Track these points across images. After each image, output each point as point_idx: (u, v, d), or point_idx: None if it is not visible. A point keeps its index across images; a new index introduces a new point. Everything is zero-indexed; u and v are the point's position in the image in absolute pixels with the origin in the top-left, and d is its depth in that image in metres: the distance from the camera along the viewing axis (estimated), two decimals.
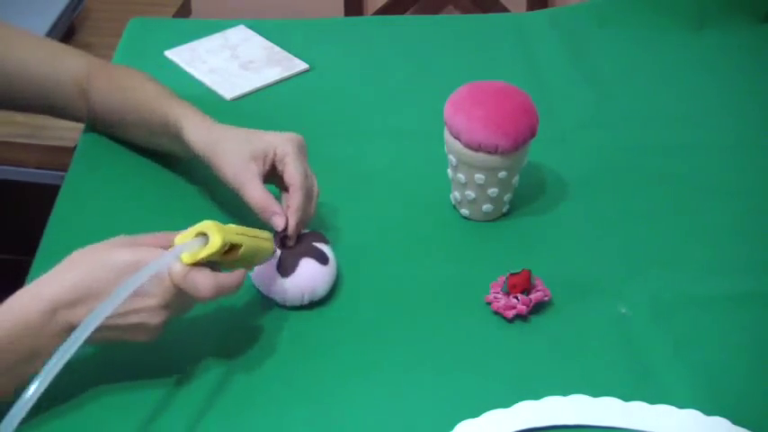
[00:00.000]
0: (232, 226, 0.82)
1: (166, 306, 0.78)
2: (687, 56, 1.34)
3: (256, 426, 0.82)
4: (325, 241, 0.94)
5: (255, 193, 0.91)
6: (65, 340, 0.71)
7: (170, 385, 0.85)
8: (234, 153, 0.94)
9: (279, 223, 0.91)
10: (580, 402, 0.84)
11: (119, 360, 0.86)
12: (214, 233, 0.78)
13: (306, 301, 0.92)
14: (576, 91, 1.26)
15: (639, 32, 1.38)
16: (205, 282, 0.77)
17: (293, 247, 0.92)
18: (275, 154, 0.94)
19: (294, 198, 0.92)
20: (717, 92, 1.27)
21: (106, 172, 1.10)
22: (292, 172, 0.92)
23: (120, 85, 1.07)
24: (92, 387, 0.84)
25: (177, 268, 0.77)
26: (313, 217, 0.95)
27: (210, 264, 0.80)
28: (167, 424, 0.82)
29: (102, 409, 0.83)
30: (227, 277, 0.80)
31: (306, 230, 0.95)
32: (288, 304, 0.92)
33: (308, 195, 0.93)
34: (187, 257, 0.77)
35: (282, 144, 0.94)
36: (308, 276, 0.91)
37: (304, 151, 0.96)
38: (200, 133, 0.97)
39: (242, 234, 0.82)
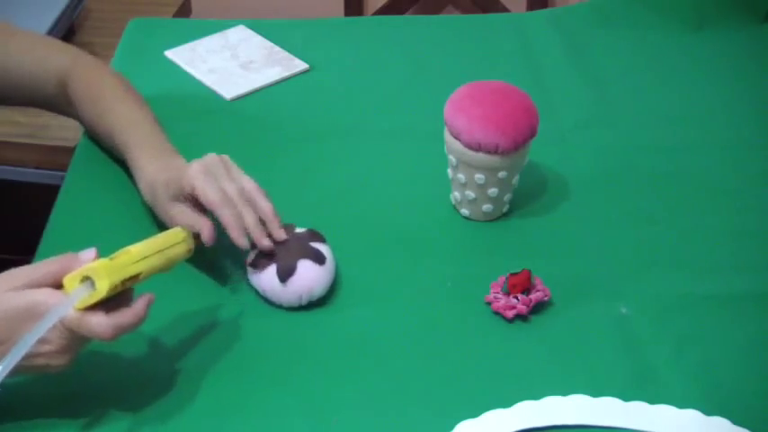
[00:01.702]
0: (134, 249, 0.78)
1: (66, 349, 0.77)
2: (687, 56, 1.34)
3: (254, 427, 0.82)
4: (323, 240, 0.94)
5: (198, 226, 0.90)
6: None
7: (166, 387, 0.85)
8: (164, 200, 0.94)
9: (207, 236, 0.90)
10: (580, 402, 0.84)
11: (113, 363, 0.86)
12: (101, 278, 0.74)
13: (303, 302, 0.92)
14: (576, 91, 1.26)
15: (639, 32, 1.38)
16: (101, 324, 0.75)
17: (290, 247, 0.92)
18: (190, 187, 0.91)
19: (223, 219, 0.90)
20: (717, 92, 1.27)
21: (106, 172, 1.10)
22: (203, 197, 0.90)
23: (95, 103, 1.06)
24: (88, 389, 0.84)
25: (70, 317, 0.74)
26: (271, 219, 0.91)
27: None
28: (163, 426, 0.82)
29: (97, 412, 0.82)
30: (125, 316, 0.76)
31: (303, 230, 0.95)
32: (285, 306, 0.92)
33: (231, 206, 0.90)
34: (78, 304, 0.74)
35: (189, 176, 0.91)
36: (306, 278, 0.91)
37: (217, 169, 0.92)
38: (145, 189, 0.97)
39: (143, 258, 0.78)
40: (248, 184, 0.92)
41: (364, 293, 0.95)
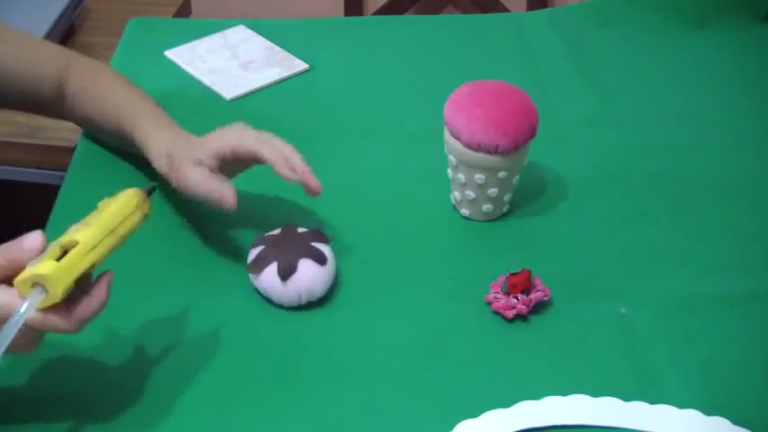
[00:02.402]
0: (83, 236, 0.74)
1: (32, 342, 0.76)
2: (687, 56, 1.34)
3: (254, 426, 0.82)
4: (325, 240, 0.94)
5: (207, 187, 0.92)
6: None
7: (164, 387, 0.85)
8: (183, 166, 0.94)
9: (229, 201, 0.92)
10: (580, 402, 0.84)
11: (112, 361, 0.86)
12: (51, 285, 0.71)
13: (303, 302, 0.92)
14: (576, 91, 1.26)
15: (639, 32, 1.38)
16: (64, 322, 0.74)
17: (291, 246, 0.92)
18: (228, 146, 0.93)
19: (293, 161, 0.93)
20: (717, 92, 1.27)
21: (106, 172, 1.10)
22: (263, 153, 0.93)
23: (95, 94, 1.06)
24: (85, 388, 0.84)
25: (32, 317, 0.73)
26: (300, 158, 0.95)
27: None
28: (162, 424, 0.82)
29: (95, 410, 0.83)
30: (87, 305, 0.74)
31: (306, 230, 0.95)
32: (285, 305, 0.92)
33: (272, 151, 0.93)
34: (38, 306, 0.72)
35: (224, 138, 0.94)
36: (306, 277, 0.91)
37: (252, 131, 0.96)
38: (159, 160, 0.97)
39: (91, 249, 0.74)
40: (280, 143, 0.95)
41: (364, 293, 0.95)
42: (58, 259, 0.73)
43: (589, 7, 1.44)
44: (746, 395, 0.85)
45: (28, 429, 0.81)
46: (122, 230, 0.77)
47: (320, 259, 0.92)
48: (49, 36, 1.54)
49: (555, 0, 2.25)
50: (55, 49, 1.09)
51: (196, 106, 1.22)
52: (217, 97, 1.24)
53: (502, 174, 1.00)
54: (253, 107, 1.22)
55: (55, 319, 0.73)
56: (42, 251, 0.74)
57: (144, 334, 0.88)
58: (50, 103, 1.08)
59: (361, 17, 2.25)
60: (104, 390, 0.84)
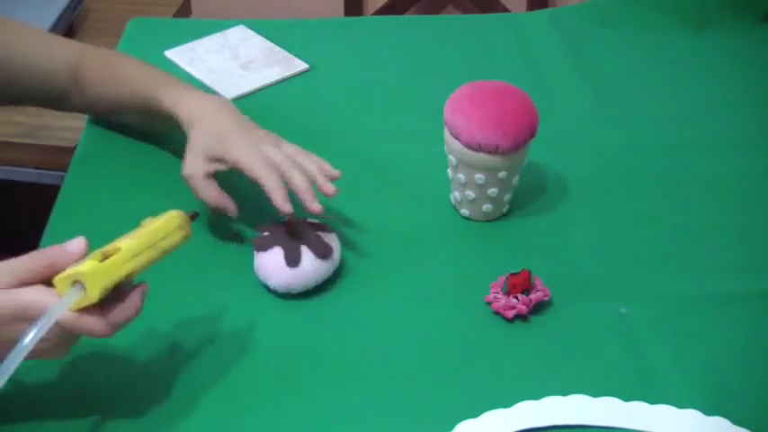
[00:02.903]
0: (126, 245, 0.76)
1: (62, 345, 0.76)
2: (687, 56, 1.34)
3: (252, 423, 0.82)
4: (330, 230, 0.95)
5: (197, 184, 0.95)
6: None
7: (165, 379, 0.85)
8: (198, 144, 0.96)
9: (233, 212, 0.95)
10: (580, 402, 0.84)
11: (111, 356, 0.86)
12: (90, 284, 0.72)
13: (310, 287, 0.93)
14: (576, 91, 1.26)
15: (639, 32, 1.38)
16: (97, 325, 0.74)
17: (296, 236, 0.93)
18: (234, 162, 0.94)
19: (293, 182, 0.93)
20: (717, 92, 1.27)
21: (106, 172, 1.10)
22: (251, 172, 0.93)
23: (112, 72, 1.07)
24: (83, 384, 0.84)
25: (66, 317, 0.73)
26: (316, 168, 0.95)
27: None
28: (163, 416, 0.82)
29: (92, 406, 0.83)
30: (121, 312, 0.75)
31: (312, 220, 0.96)
32: (284, 290, 0.93)
33: (277, 172, 0.93)
34: (73, 306, 0.73)
35: (233, 153, 0.95)
36: (309, 265, 0.92)
37: (274, 144, 0.96)
38: (184, 116, 0.99)
39: (132, 257, 0.76)
40: (291, 148, 0.95)
41: (364, 293, 0.95)
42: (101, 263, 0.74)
43: (589, 7, 1.44)
44: (746, 395, 0.85)
45: (28, 428, 0.81)
46: (163, 245, 0.79)
47: (324, 248, 0.93)
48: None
49: (555, 0, 2.25)
50: (67, 42, 1.10)
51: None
52: None
53: (502, 174, 1.00)
54: (253, 107, 1.22)
55: (89, 321, 0.74)
56: (84, 257, 0.75)
57: (143, 324, 0.88)
58: (65, 94, 1.08)
59: (361, 17, 2.25)
60: (105, 382, 0.85)
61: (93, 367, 0.84)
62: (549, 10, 1.57)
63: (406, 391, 0.85)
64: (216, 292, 0.94)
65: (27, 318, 0.73)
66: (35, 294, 0.73)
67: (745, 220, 1.05)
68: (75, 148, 1.16)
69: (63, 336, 0.75)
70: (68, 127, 1.17)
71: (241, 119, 0.99)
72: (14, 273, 0.74)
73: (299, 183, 0.93)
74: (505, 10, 2.19)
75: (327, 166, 0.96)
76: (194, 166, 0.96)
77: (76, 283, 0.73)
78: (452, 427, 0.81)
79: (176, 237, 0.80)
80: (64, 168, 1.14)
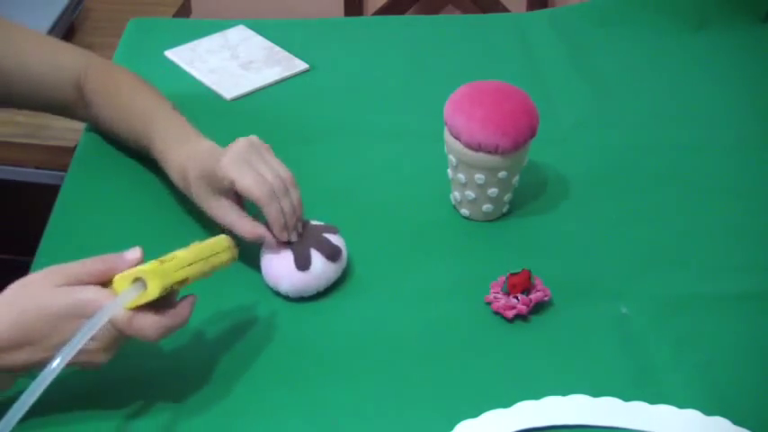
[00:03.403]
0: (180, 254, 0.79)
1: (110, 347, 0.77)
2: (687, 56, 1.34)
3: (254, 423, 0.82)
4: (335, 231, 0.95)
5: (238, 228, 0.92)
6: (5, 378, 0.74)
7: (170, 378, 0.85)
8: (201, 193, 0.93)
9: (270, 242, 0.92)
10: (580, 402, 0.84)
11: (123, 357, 0.86)
12: (152, 280, 0.75)
13: (321, 289, 0.93)
14: (576, 91, 1.26)
15: (639, 32, 1.38)
16: (150, 326, 0.76)
17: (304, 239, 0.93)
18: (229, 182, 0.91)
19: (265, 210, 0.90)
20: (717, 92, 1.27)
21: (106, 172, 1.10)
22: (246, 192, 0.90)
23: (110, 98, 1.06)
24: (84, 387, 0.84)
25: (120, 316, 0.75)
26: (299, 205, 0.92)
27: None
28: (173, 416, 0.82)
29: (95, 408, 0.83)
30: (172, 317, 0.77)
31: (316, 222, 0.96)
32: (293, 295, 0.93)
33: (273, 199, 0.90)
34: (128, 304, 0.75)
35: (225, 172, 0.90)
36: (319, 268, 0.92)
37: (252, 156, 0.91)
38: (175, 176, 0.97)
39: (189, 264, 0.79)
40: (283, 171, 0.92)
41: (364, 293, 0.95)
42: None
43: (589, 7, 1.44)
44: (746, 395, 0.85)
45: (31, 426, 0.81)
46: (213, 261, 0.82)
47: (333, 250, 0.93)
48: (49, 36, 1.54)
49: (555, 0, 2.25)
50: (74, 52, 1.10)
51: (196, 106, 1.21)
52: (217, 97, 1.24)
53: (502, 174, 1.00)
54: (253, 107, 1.22)
55: (142, 321, 0.76)
56: (140, 264, 0.78)
57: None
58: (71, 105, 1.09)
59: (361, 17, 2.25)
60: (116, 381, 0.85)
61: (101, 369, 0.84)
62: (549, 10, 1.57)
63: (406, 391, 0.85)
64: (223, 294, 0.94)
65: (83, 315, 0.74)
66: (93, 292, 0.75)
67: (746, 219, 1.05)
68: (75, 148, 1.16)
69: (113, 338, 0.76)
70: (69, 127, 1.17)
71: (217, 149, 0.95)
72: (71, 276, 0.76)
73: (289, 213, 0.91)
74: (505, 10, 2.19)
75: (301, 207, 0.93)
76: (226, 212, 0.93)
77: (136, 281, 0.75)
78: (452, 427, 0.81)
79: (224, 256, 0.84)
80: (64, 168, 1.14)
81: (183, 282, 0.78)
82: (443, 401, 0.84)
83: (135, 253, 0.79)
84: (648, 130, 1.20)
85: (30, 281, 0.77)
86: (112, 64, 1.12)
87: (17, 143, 1.47)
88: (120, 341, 0.78)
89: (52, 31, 1.57)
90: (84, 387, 0.84)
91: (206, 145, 0.96)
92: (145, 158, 1.09)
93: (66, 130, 1.40)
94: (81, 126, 1.16)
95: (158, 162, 1.00)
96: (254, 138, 0.93)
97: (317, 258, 0.92)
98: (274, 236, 0.91)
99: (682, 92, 1.27)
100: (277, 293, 0.94)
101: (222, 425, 0.82)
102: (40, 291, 0.75)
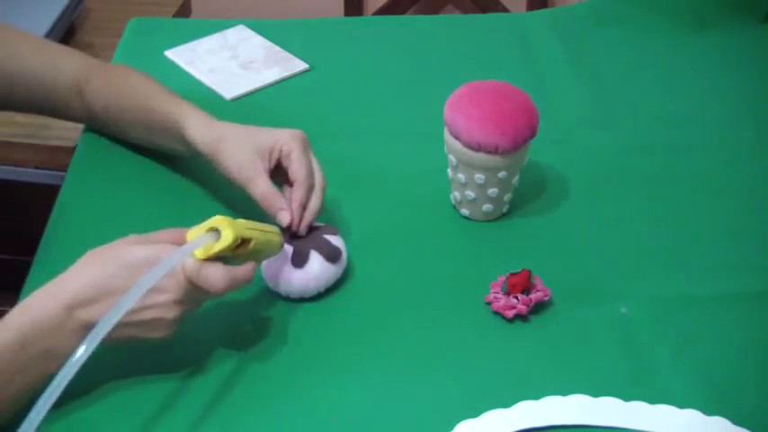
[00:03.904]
0: (241, 221, 0.82)
1: (181, 301, 0.79)
2: (687, 56, 1.34)
3: (254, 422, 0.82)
4: (335, 232, 0.95)
5: (261, 189, 0.93)
6: (80, 339, 0.73)
7: (172, 379, 0.85)
8: (239, 149, 0.94)
9: (284, 219, 0.92)
10: (580, 402, 0.84)
11: (118, 356, 0.86)
12: (226, 228, 0.79)
13: (321, 290, 0.93)
14: (576, 91, 1.26)
15: (639, 32, 1.38)
16: (218, 276, 0.79)
17: (304, 239, 0.93)
18: (281, 150, 0.94)
19: (296, 193, 0.93)
20: (717, 92, 1.27)
21: (106, 172, 1.10)
22: (297, 168, 0.93)
23: (118, 85, 1.07)
24: (91, 384, 0.84)
25: (190, 264, 0.78)
26: (321, 210, 0.95)
27: (221, 258, 0.81)
28: (171, 418, 0.82)
29: (101, 406, 0.83)
30: (240, 270, 0.81)
31: (319, 223, 0.96)
32: (291, 295, 0.93)
33: (310, 190, 0.94)
34: (200, 253, 0.79)
35: (287, 141, 0.95)
36: (317, 268, 0.92)
37: (308, 147, 0.97)
38: (203, 132, 0.97)
39: (252, 229, 0.83)
40: (320, 173, 0.96)
41: (364, 293, 0.95)
42: None
43: (589, 7, 1.44)
44: (746, 395, 0.85)
45: None
46: (269, 237, 0.86)
47: (333, 251, 0.93)
48: (49, 36, 1.54)
49: (555, 0, 2.25)
50: (73, 55, 1.10)
51: (195, 104, 1.22)
52: (217, 97, 1.24)
53: (502, 174, 1.00)
54: (253, 107, 1.22)
55: (210, 270, 0.78)
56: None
57: None
58: (69, 108, 1.09)
59: (361, 17, 2.25)
60: (103, 385, 0.84)
61: (103, 365, 0.84)
62: (548, 10, 1.57)
63: (406, 391, 0.85)
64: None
65: (159, 261, 0.76)
66: (168, 248, 0.78)
67: (745, 220, 1.05)
68: (75, 148, 1.16)
69: (183, 288, 0.78)
70: (68, 127, 1.17)
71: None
72: (146, 238, 0.80)
73: (317, 204, 0.94)
74: (505, 10, 2.19)
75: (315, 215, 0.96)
76: (255, 167, 0.94)
77: (210, 231, 0.79)
78: (452, 427, 0.81)
79: (276, 238, 0.87)
80: (64, 168, 1.14)
81: (246, 244, 0.81)
82: (443, 401, 0.84)
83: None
84: (648, 130, 1.20)
85: (107, 245, 0.80)
86: (108, 64, 1.12)
87: (17, 143, 1.47)
88: (191, 296, 0.80)
89: (52, 31, 1.57)
90: (84, 386, 0.84)
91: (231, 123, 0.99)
92: (144, 158, 1.10)
93: (67, 130, 1.40)
94: (81, 126, 1.16)
95: (180, 133, 0.99)
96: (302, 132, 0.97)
97: (316, 259, 0.92)
98: (282, 219, 0.92)
99: (681, 92, 1.27)
100: (277, 294, 0.94)
101: (222, 424, 0.82)
102: (118, 249, 0.79)
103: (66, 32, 1.66)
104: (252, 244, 0.82)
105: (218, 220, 0.79)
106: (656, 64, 1.32)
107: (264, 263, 0.93)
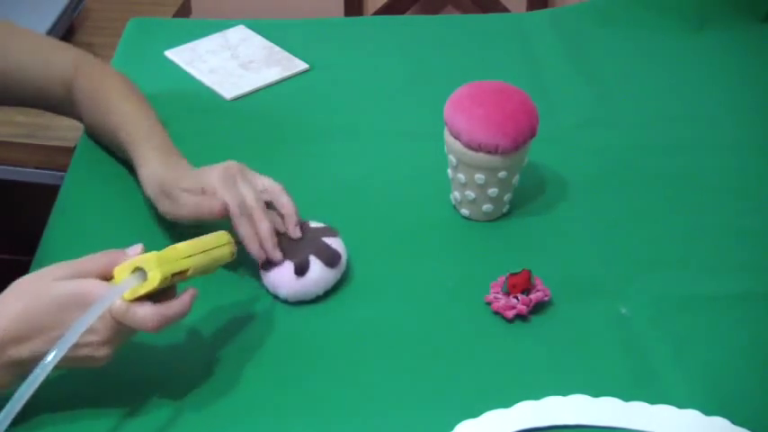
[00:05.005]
0: (181, 246, 0.79)
1: (110, 340, 0.78)
2: (687, 56, 1.34)
3: (254, 424, 0.82)
4: (334, 234, 0.95)
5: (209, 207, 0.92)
6: (13, 374, 0.75)
7: (169, 382, 0.85)
8: (180, 210, 0.94)
9: (259, 258, 0.92)
10: (580, 402, 0.84)
11: (123, 360, 0.86)
12: (152, 269, 0.76)
13: (320, 293, 0.93)
14: (576, 91, 1.26)
15: (639, 32, 1.38)
16: (147, 316, 0.76)
17: (302, 243, 0.93)
18: (211, 191, 0.93)
19: (240, 228, 0.91)
20: (717, 92, 1.27)
21: (106, 172, 1.10)
22: (228, 203, 0.91)
23: (96, 104, 1.06)
24: (83, 387, 0.84)
25: (118, 305, 0.76)
26: (291, 215, 0.93)
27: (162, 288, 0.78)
28: (168, 420, 0.82)
29: (94, 408, 0.83)
30: (172, 307, 0.78)
31: (317, 224, 0.96)
32: (292, 300, 0.93)
33: (248, 214, 0.91)
34: (128, 294, 0.76)
35: (210, 184, 0.93)
36: (318, 274, 0.92)
37: (232, 176, 0.93)
38: (147, 191, 0.97)
39: (189, 256, 0.79)
40: (267, 182, 0.94)
41: (364, 293, 0.95)
42: None
43: (589, 7, 1.44)
44: (746, 395, 0.85)
45: (34, 425, 0.81)
46: (214, 254, 0.83)
47: (332, 255, 0.93)
48: (49, 36, 1.54)
49: (555, 0, 2.25)
50: (66, 50, 1.10)
51: (196, 106, 1.22)
52: (217, 97, 1.24)
53: (502, 174, 1.00)
54: (253, 107, 1.22)
55: (140, 311, 0.76)
56: None
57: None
58: (61, 104, 1.09)
59: (361, 17, 2.24)
60: (110, 380, 0.85)
61: (103, 370, 0.84)
62: (549, 10, 1.57)
63: (406, 391, 0.85)
64: (223, 295, 0.94)
65: (85, 305, 0.75)
66: (96, 284, 0.76)
67: (745, 219, 1.05)
68: (75, 148, 1.16)
69: (112, 328, 0.77)
70: (68, 127, 1.17)
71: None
72: (74, 270, 0.77)
73: (265, 232, 0.91)
74: (505, 10, 2.19)
75: (296, 212, 0.94)
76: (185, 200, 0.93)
77: (136, 270, 0.76)
78: (452, 427, 0.81)
79: (225, 250, 0.84)
80: (64, 168, 1.14)
81: (183, 273, 0.79)
82: (443, 401, 0.84)
83: (137, 249, 0.79)
84: (648, 130, 1.20)
85: (33, 276, 0.78)
86: (105, 66, 1.12)
87: (17, 143, 1.47)
88: (122, 334, 0.78)
89: (52, 30, 1.57)
90: (83, 387, 0.84)
91: (183, 163, 0.98)
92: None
93: (67, 130, 1.40)
94: (81, 126, 1.16)
95: (134, 166, 1.00)
96: (243, 164, 0.95)
97: (315, 265, 0.92)
98: (252, 253, 0.91)
99: (681, 92, 1.27)
100: (276, 297, 0.94)
101: (222, 426, 0.82)
102: (43, 284, 0.76)
103: (67, 32, 1.66)
104: (190, 272, 0.79)
105: (145, 260, 0.76)
106: (657, 64, 1.32)
107: (262, 272, 0.93)
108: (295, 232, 0.93)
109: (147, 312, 0.76)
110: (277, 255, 0.91)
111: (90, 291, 0.75)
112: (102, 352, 0.78)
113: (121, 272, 0.77)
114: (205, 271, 0.82)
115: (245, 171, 0.95)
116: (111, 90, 1.07)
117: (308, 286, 0.92)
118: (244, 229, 0.91)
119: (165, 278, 0.76)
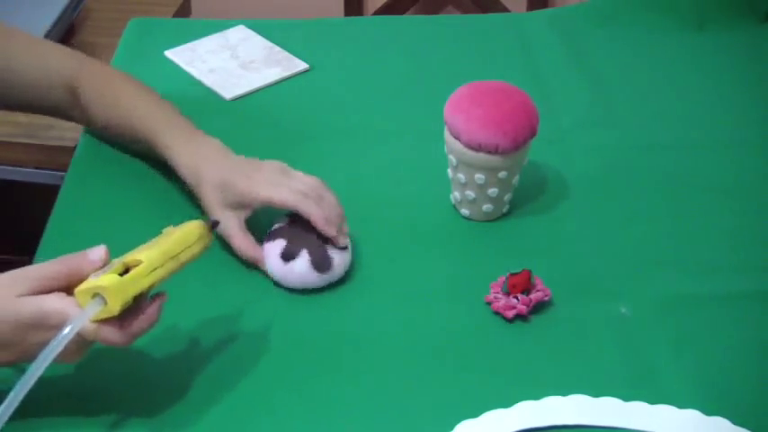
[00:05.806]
0: (147, 257, 0.76)
1: (78, 351, 0.77)
2: (687, 56, 1.34)
3: (253, 422, 0.82)
4: (342, 247, 0.95)
5: (237, 245, 0.95)
6: None
7: (169, 377, 0.85)
8: (215, 201, 0.95)
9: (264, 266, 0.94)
10: (580, 402, 0.84)
11: (123, 355, 0.86)
12: (111, 298, 0.73)
13: (296, 288, 0.94)
14: (576, 91, 1.26)
15: (639, 32, 1.38)
16: (115, 336, 0.75)
17: (310, 236, 0.94)
18: (258, 202, 0.94)
19: (316, 223, 0.93)
20: (717, 92, 1.27)
21: (106, 172, 1.10)
22: (280, 202, 0.94)
23: (109, 101, 1.07)
24: (93, 383, 0.84)
25: (86, 328, 0.74)
26: (336, 205, 0.96)
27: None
28: (173, 414, 0.82)
29: (105, 405, 0.83)
30: (138, 323, 0.76)
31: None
32: (274, 280, 0.94)
33: (305, 201, 0.93)
34: (93, 317, 0.74)
35: (257, 192, 0.94)
36: (302, 271, 0.93)
37: (285, 175, 0.96)
38: (184, 173, 0.99)
39: (152, 271, 0.76)
40: (311, 180, 0.96)
41: (364, 293, 0.95)
42: (121, 275, 0.75)
43: (589, 7, 1.44)
44: (746, 395, 0.85)
45: (39, 425, 0.81)
46: (184, 257, 0.79)
47: (323, 262, 0.93)
48: (49, 36, 1.54)
49: (555, 0, 2.25)
50: (65, 54, 1.10)
51: (196, 106, 1.21)
52: (217, 97, 1.24)
53: (502, 174, 1.00)
54: (253, 107, 1.22)
55: (108, 332, 0.75)
56: (105, 265, 0.76)
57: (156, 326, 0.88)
58: (62, 108, 1.09)
59: (361, 17, 2.24)
60: (120, 380, 0.85)
61: (106, 366, 0.84)
62: (549, 10, 1.58)
63: (406, 391, 0.85)
64: (221, 291, 0.94)
65: (49, 325, 0.74)
66: (58, 302, 0.74)
67: (745, 219, 1.05)
68: (75, 148, 1.16)
69: (81, 343, 0.76)
70: (68, 127, 1.17)
71: (238, 159, 0.99)
72: (36, 279, 0.75)
73: (332, 214, 0.94)
74: (505, 10, 2.19)
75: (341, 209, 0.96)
76: (230, 225, 0.95)
77: (97, 295, 0.74)
78: (452, 427, 0.81)
79: (196, 248, 0.81)
80: (64, 168, 1.14)
81: (149, 288, 0.77)
82: (443, 401, 0.84)
83: (99, 252, 0.77)
84: (648, 130, 1.20)
85: None
86: (106, 66, 1.12)
87: (17, 143, 1.47)
88: (88, 345, 0.77)
89: (52, 30, 1.57)
90: (82, 387, 0.84)
91: (215, 144, 1.00)
92: (145, 158, 1.09)
93: (67, 130, 1.40)
94: (81, 126, 1.16)
95: (165, 159, 1.01)
96: (276, 162, 0.97)
97: (303, 260, 0.92)
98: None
99: (681, 92, 1.27)
100: (277, 291, 0.94)
101: (221, 423, 0.82)
102: (8, 302, 0.75)
103: (66, 32, 1.66)
104: (155, 286, 0.77)
105: (103, 288, 0.73)
106: (656, 63, 1.32)
107: (268, 258, 0.94)
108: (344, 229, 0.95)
109: (115, 332, 0.75)
110: (342, 240, 0.94)
111: (54, 311, 0.74)
112: (70, 359, 0.78)
113: (82, 295, 0.74)
114: (175, 274, 0.79)
115: (286, 169, 0.97)
116: (120, 89, 1.07)
117: (288, 276, 0.93)
118: (314, 213, 0.92)
119: (126, 303, 0.74)
